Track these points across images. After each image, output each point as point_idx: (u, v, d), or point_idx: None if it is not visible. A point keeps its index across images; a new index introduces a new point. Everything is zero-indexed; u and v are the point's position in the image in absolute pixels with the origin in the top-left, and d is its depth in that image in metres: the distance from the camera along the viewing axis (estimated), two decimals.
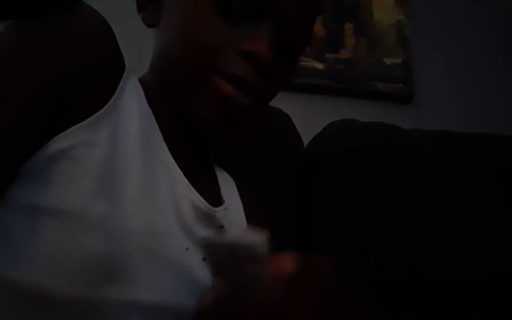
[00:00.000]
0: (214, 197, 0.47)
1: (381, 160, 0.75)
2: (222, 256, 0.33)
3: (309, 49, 1.12)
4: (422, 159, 0.76)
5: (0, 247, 0.31)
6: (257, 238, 0.31)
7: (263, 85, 0.40)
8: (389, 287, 0.67)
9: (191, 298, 0.42)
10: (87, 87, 0.35)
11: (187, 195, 0.42)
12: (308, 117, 0.91)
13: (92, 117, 0.34)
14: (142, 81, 0.43)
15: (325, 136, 0.81)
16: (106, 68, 0.37)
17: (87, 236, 0.32)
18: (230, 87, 0.38)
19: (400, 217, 0.71)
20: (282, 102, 0.84)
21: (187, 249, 0.41)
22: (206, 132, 0.42)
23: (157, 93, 0.43)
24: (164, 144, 0.41)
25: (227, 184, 0.52)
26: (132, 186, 0.36)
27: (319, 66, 1.10)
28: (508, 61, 1.18)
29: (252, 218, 0.53)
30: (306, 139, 0.82)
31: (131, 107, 0.38)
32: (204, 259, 0.44)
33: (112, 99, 0.37)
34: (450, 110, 1.10)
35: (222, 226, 0.46)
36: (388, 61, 1.12)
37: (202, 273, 0.43)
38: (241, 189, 0.54)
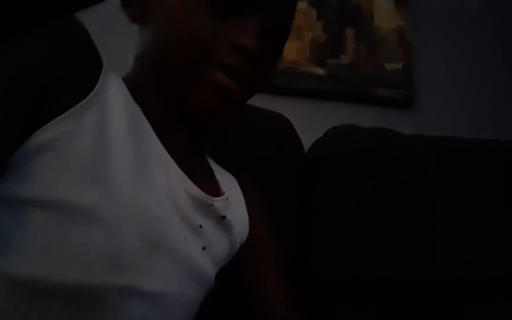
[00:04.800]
0: (212, 189, 0.48)
1: (381, 163, 0.75)
2: None
3: (310, 54, 1.13)
4: (423, 164, 0.76)
5: None
6: None
7: (253, 74, 0.43)
8: (388, 290, 0.67)
9: (193, 286, 0.43)
10: (66, 80, 0.36)
11: (182, 184, 0.43)
12: (309, 122, 0.91)
13: (74, 107, 0.35)
14: (126, 79, 0.44)
15: (326, 141, 0.81)
16: (83, 62, 0.38)
17: (78, 225, 0.33)
18: (224, 76, 0.41)
19: (400, 220, 0.71)
20: (283, 107, 0.85)
21: (185, 238, 0.42)
22: (201, 119, 0.44)
23: (146, 88, 0.44)
24: (154, 135, 0.42)
25: (226, 179, 0.53)
26: (123, 174, 0.37)
27: (320, 71, 1.10)
28: (509, 66, 1.18)
29: (255, 214, 0.54)
30: (306, 144, 0.82)
31: (115, 100, 0.40)
32: (204, 248, 0.44)
33: (94, 90, 0.38)
34: (450, 115, 1.10)
35: (224, 217, 0.47)
36: (388, 66, 1.12)
37: (203, 261, 0.44)
38: (244, 186, 0.55)
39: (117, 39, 0.82)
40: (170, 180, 0.42)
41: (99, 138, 0.36)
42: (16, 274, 0.32)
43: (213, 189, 0.49)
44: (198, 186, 0.44)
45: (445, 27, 1.21)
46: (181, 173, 0.43)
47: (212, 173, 0.52)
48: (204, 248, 0.44)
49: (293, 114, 0.82)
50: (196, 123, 0.45)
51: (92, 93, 0.37)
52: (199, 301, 0.45)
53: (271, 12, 0.43)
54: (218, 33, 0.41)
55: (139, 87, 0.43)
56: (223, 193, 0.49)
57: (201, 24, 0.41)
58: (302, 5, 1.15)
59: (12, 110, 0.32)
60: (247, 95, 0.45)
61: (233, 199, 0.51)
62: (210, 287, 0.47)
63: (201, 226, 0.44)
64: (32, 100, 0.33)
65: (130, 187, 0.37)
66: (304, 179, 0.76)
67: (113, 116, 0.38)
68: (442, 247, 0.69)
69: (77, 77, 0.37)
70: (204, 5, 0.41)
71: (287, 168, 0.75)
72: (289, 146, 0.77)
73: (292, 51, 1.12)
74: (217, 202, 0.47)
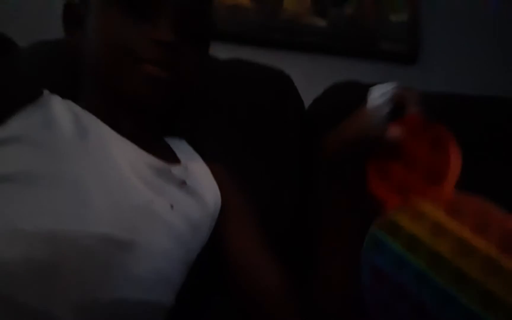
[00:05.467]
0: (171, 161, 0.53)
1: None
2: None
3: (311, 4, 1.08)
4: None
5: None
6: None
7: (176, 61, 0.51)
8: None
9: (164, 238, 0.45)
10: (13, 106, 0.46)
11: (139, 157, 0.48)
12: (310, 78, 0.89)
13: (24, 109, 0.46)
14: (77, 98, 0.52)
15: (327, 98, 0.79)
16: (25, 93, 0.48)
17: (44, 188, 0.40)
18: (152, 66, 0.49)
19: None
20: (283, 62, 0.82)
21: (152, 200, 0.45)
22: (140, 108, 0.52)
23: (91, 94, 0.53)
24: (103, 124, 0.48)
25: (188, 155, 0.58)
26: (76, 151, 0.44)
27: (321, 22, 1.06)
28: None
29: (225, 185, 0.56)
30: (307, 100, 0.81)
31: (59, 106, 0.48)
32: (172, 206, 0.47)
33: (40, 99, 0.49)
34: (455, 71, 1.07)
35: (184, 182, 0.51)
36: (393, 18, 1.08)
37: (172, 217, 0.47)
38: (209, 162, 0.58)
39: None
40: (127, 154, 0.47)
41: (49, 129, 0.45)
42: None
43: (172, 161, 0.53)
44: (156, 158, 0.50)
45: None
46: (136, 148, 0.49)
47: (171, 151, 0.57)
48: (172, 206, 0.47)
49: (293, 70, 0.80)
50: (138, 112, 0.52)
51: (37, 101, 0.48)
52: (175, 255, 0.46)
53: (181, 5, 0.51)
54: (138, 34, 0.49)
55: (87, 97, 0.53)
56: (178, 162, 0.54)
57: (121, 30, 0.50)
58: None
59: None
60: (181, 82, 0.52)
61: (194, 169, 0.55)
62: (186, 243, 0.48)
63: (165, 189, 0.48)
64: None
65: (85, 160, 0.44)
66: (305, 142, 0.75)
67: (58, 114, 0.46)
68: None
69: (22, 104, 0.47)
70: (122, 14, 0.50)
71: (287, 126, 0.74)
72: (289, 103, 0.75)
73: (293, 0, 1.08)
74: (175, 169, 0.51)
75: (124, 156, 0.46)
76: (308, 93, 0.81)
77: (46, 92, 0.51)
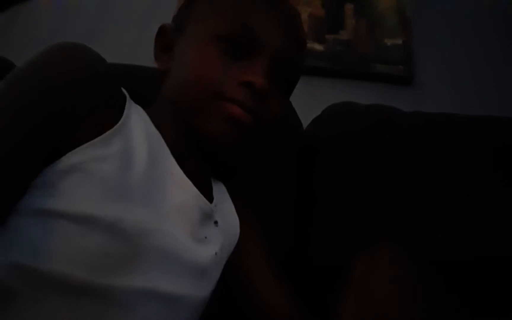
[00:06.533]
0: (208, 195, 0.53)
1: (381, 143, 0.75)
2: None
3: (308, 30, 1.11)
4: (422, 142, 0.75)
5: (19, 244, 0.37)
6: None
7: (262, 107, 0.49)
8: None
9: (203, 289, 0.48)
10: (94, 115, 0.42)
11: (197, 202, 0.48)
12: (307, 100, 0.90)
13: (103, 135, 0.41)
14: (150, 111, 0.50)
15: (325, 119, 0.80)
16: (109, 99, 0.44)
17: (100, 237, 0.38)
18: (236, 107, 0.47)
19: (399, 201, 0.71)
20: None
21: (195, 252, 0.46)
22: (215, 146, 0.49)
23: (166, 120, 0.50)
24: (173, 159, 0.48)
25: (217, 186, 0.58)
26: (142, 195, 0.42)
27: (319, 47, 1.09)
28: (510, 42, 1.16)
29: (244, 215, 0.58)
30: (305, 122, 0.82)
31: (138, 129, 0.45)
32: (216, 253, 0.48)
33: (121, 121, 0.44)
34: (450, 92, 1.08)
35: (216, 222, 0.52)
36: (388, 42, 1.10)
37: (212, 267, 0.49)
38: (231, 191, 0.59)
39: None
40: (185, 199, 0.47)
41: (124, 163, 0.42)
42: (44, 273, 0.36)
43: (209, 195, 0.53)
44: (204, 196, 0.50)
45: (445, 2, 1.18)
46: (197, 191, 0.48)
47: (210, 181, 0.57)
48: (216, 253, 0.49)
49: None
50: (209, 150, 0.50)
51: (118, 123, 0.43)
52: (206, 302, 0.49)
53: (280, 51, 0.49)
54: (229, 73, 0.47)
55: (161, 119, 0.50)
56: (213, 199, 0.54)
57: (213, 67, 0.48)
58: None
59: (34, 141, 0.38)
60: (258, 127, 0.49)
61: (222, 204, 0.56)
62: (213, 286, 0.51)
63: (206, 237, 0.49)
64: (55, 132, 0.39)
65: (148, 207, 0.42)
66: (303, 163, 0.76)
67: (136, 143, 0.44)
68: (441, 229, 0.69)
69: (105, 111, 0.43)
70: (219, 52, 0.48)
71: (285, 147, 0.74)
72: (287, 124, 0.76)
73: None
74: (214, 208, 0.52)
75: (181, 201, 0.46)
76: (307, 115, 0.82)
77: (128, 99, 0.48)
